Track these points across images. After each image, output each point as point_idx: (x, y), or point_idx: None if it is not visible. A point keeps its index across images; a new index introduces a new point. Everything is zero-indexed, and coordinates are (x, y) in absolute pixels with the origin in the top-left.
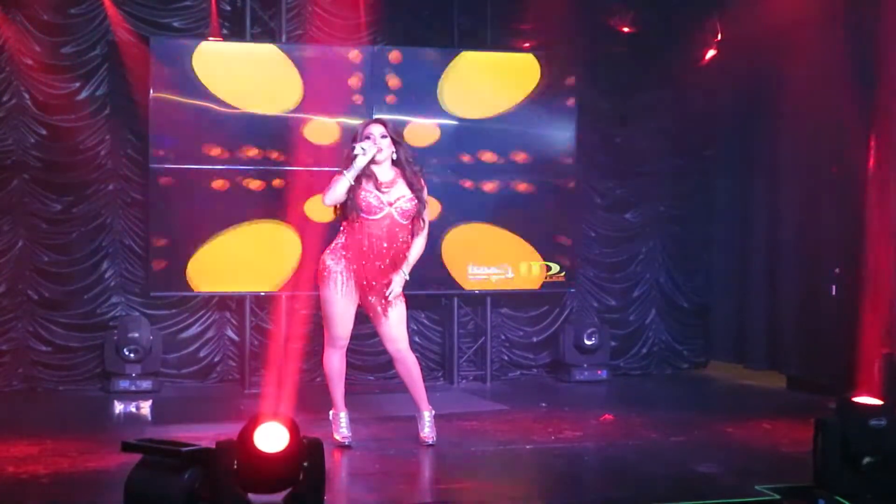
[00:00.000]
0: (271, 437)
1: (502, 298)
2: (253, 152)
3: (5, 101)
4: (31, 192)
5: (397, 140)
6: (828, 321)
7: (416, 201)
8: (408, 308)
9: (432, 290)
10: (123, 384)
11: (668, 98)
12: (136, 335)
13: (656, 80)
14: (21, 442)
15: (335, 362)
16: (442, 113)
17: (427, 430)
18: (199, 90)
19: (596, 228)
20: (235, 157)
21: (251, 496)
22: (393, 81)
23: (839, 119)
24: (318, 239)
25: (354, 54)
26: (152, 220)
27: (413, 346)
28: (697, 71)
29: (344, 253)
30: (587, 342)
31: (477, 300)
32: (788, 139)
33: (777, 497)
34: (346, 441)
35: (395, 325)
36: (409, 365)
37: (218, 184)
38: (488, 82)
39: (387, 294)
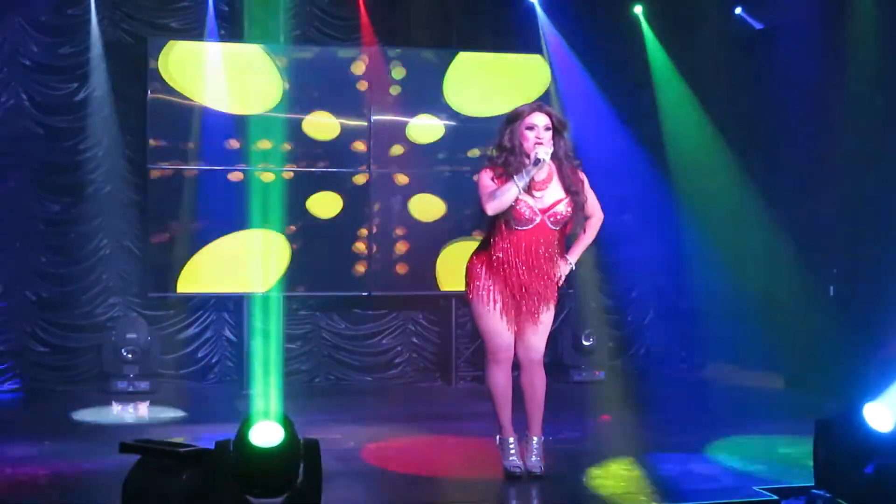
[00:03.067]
0: (267, 436)
1: None
2: (252, 153)
3: (3, 101)
4: (29, 192)
5: (560, 130)
6: (825, 322)
7: (573, 205)
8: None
9: (431, 291)
10: (121, 385)
11: (665, 98)
12: (134, 336)
13: (655, 80)
14: (19, 443)
15: (500, 379)
16: (446, 110)
17: (534, 458)
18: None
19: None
20: (234, 158)
21: (250, 499)
22: (393, 80)
23: (839, 120)
24: (318, 238)
25: (353, 54)
26: (150, 221)
27: (411, 346)
28: (697, 72)
29: (492, 263)
30: (585, 343)
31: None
32: (787, 140)
33: (775, 498)
34: (517, 471)
35: (537, 333)
36: (535, 379)
37: (216, 184)
38: (493, 82)
39: (556, 280)
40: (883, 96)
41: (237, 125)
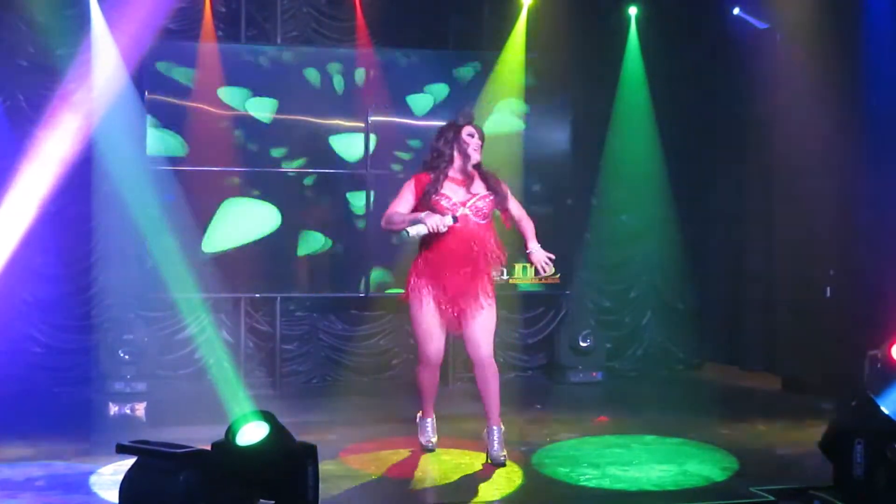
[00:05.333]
0: (254, 436)
1: (497, 300)
2: (250, 153)
3: (0, 102)
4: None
5: (482, 142)
6: (822, 323)
7: (492, 196)
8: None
9: None
10: (118, 386)
11: (663, 99)
12: (131, 337)
13: (653, 81)
14: (16, 444)
15: (426, 378)
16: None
17: (497, 446)
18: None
19: (591, 230)
20: (232, 158)
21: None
22: (389, 82)
23: (834, 121)
24: (317, 238)
25: (351, 55)
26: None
27: (408, 347)
28: (693, 72)
29: (425, 266)
30: (582, 344)
31: None
32: (784, 141)
33: (772, 499)
34: (430, 446)
35: (481, 329)
36: (487, 374)
37: (214, 184)
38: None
39: (543, 263)
40: (877, 96)
41: (236, 125)
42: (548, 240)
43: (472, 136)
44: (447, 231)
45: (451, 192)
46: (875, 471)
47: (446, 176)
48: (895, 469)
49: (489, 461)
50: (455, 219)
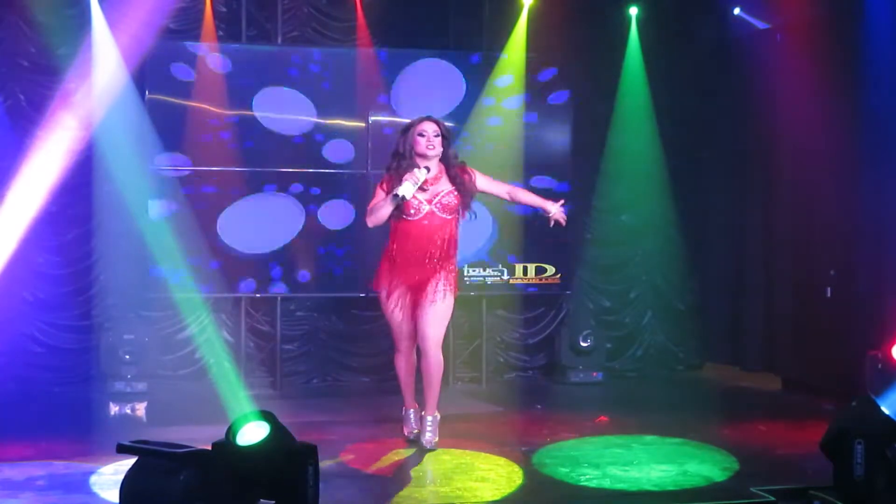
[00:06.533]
0: (255, 436)
1: (498, 300)
2: (250, 153)
3: (0, 101)
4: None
5: (447, 137)
6: (822, 323)
7: (458, 193)
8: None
9: None
10: (119, 385)
11: (663, 99)
12: (132, 337)
13: (652, 81)
14: (16, 443)
15: (401, 364)
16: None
17: (428, 435)
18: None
19: (592, 230)
20: (231, 159)
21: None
22: (388, 82)
23: (834, 121)
24: (316, 239)
25: (351, 55)
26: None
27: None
28: (693, 72)
29: (393, 257)
30: (582, 344)
31: (472, 302)
32: (784, 141)
33: (772, 499)
34: (411, 437)
35: (431, 320)
36: (432, 364)
37: (213, 185)
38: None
39: (557, 215)
40: (879, 96)
41: (236, 125)
42: (548, 240)
43: (422, 135)
44: (414, 226)
45: (414, 196)
46: (875, 471)
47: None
48: (895, 470)
49: (420, 444)
50: (428, 169)
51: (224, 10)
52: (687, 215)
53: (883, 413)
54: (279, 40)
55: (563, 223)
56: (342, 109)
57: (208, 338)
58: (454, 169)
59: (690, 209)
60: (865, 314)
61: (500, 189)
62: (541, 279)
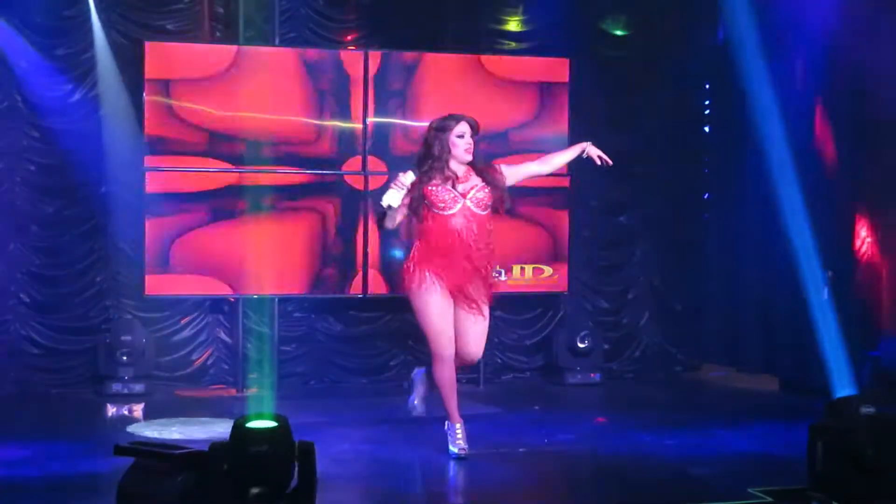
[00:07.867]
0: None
1: (495, 301)
2: (247, 154)
3: None
4: (23, 194)
5: (477, 133)
6: (821, 323)
7: (491, 190)
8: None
9: None
10: (116, 387)
11: (663, 100)
12: (129, 338)
13: (651, 82)
14: (13, 445)
15: (445, 374)
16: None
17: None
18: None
19: (590, 231)
20: (230, 159)
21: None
22: (386, 83)
23: (833, 121)
24: (315, 240)
25: (349, 56)
26: (145, 223)
27: (406, 348)
28: (692, 73)
29: (428, 257)
30: (580, 345)
31: None
32: (783, 141)
33: (770, 500)
34: (463, 453)
35: (479, 338)
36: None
37: (212, 185)
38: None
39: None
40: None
41: (236, 125)
42: (548, 239)
43: (461, 136)
44: (448, 221)
45: (445, 189)
46: (834, 465)
47: (439, 174)
48: (859, 458)
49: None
50: (415, 173)
51: (221, 10)
52: (685, 216)
53: (856, 410)
54: (276, 41)
55: (608, 159)
56: (339, 111)
57: (206, 339)
58: (481, 167)
59: (689, 210)
60: (864, 314)
61: (529, 168)
62: (538, 280)
